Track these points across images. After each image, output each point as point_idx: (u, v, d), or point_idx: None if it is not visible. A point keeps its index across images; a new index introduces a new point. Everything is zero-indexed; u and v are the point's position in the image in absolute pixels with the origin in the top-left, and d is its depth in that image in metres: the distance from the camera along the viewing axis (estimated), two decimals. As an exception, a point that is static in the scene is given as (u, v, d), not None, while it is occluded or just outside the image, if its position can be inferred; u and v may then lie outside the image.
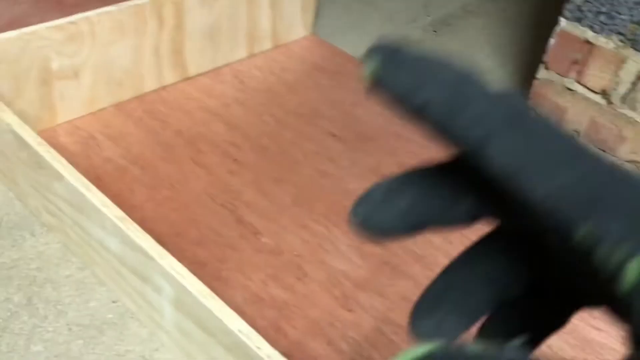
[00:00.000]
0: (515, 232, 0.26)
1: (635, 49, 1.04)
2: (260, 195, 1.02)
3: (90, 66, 1.07)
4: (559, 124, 0.23)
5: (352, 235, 0.97)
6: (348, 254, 0.94)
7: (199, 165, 1.06)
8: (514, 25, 1.70)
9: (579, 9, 1.06)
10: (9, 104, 0.99)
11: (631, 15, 1.02)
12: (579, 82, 1.11)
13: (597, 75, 1.07)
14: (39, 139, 0.80)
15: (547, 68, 1.14)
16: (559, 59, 1.12)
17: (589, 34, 1.06)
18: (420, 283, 0.91)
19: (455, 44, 1.57)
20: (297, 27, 1.43)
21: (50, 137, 1.06)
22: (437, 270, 0.94)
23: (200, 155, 1.08)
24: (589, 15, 1.06)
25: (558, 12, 1.09)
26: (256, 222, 0.97)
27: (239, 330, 0.62)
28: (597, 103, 1.09)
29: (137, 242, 0.69)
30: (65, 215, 0.83)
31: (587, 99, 1.11)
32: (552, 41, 1.11)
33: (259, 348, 0.61)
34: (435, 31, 1.62)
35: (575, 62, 1.10)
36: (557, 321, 0.26)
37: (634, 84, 1.06)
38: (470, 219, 0.26)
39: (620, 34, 1.03)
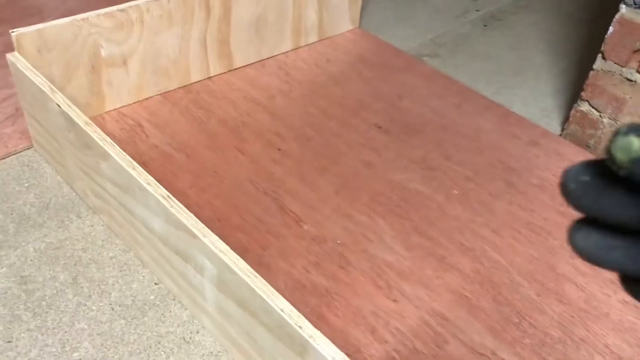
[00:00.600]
0: None
1: (701, 38, 0.98)
2: (303, 184, 1.01)
3: (139, 54, 1.08)
4: None
5: (397, 226, 0.95)
6: (392, 244, 0.92)
7: (242, 153, 1.06)
8: (569, 21, 1.64)
9: (640, -5, 1.01)
10: (60, 90, 1.01)
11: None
12: (639, 72, 1.05)
13: (658, 66, 1.02)
14: (87, 119, 0.81)
15: (604, 58, 1.09)
16: (618, 48, 1.06)
17: (651, 22, 1.01)
18: (467, 276, 0.87)
19: (506, 39, 1.53)
20: (343, 20, 1.42)
21: (98, 124, 1.07)
22: (486, 263, 0.91)
23: (244, 144, 1.08)
24: (651, 1, 1.00)
25: (616, 8, 1.04)
26: (299, 210, 0.96)
27: (282, 310, 0.60)
28: (658, 95, 1.03)
29: (180, 220, 0.69)
30: (111, 196, 0.84)
31: (647, 90, 1.05)
32: (610, 30, 1.06)
33: (300, 328, 0.59)
34: (485, 25, 1.58)
35: (636, 51, 1.05)
36: None
37: (699, 74, 1.01)
38: None
39: (684, 21, 0.98)
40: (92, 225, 0.91)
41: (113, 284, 0.83)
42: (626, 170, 0.23)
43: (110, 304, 0.80)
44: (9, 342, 0.74)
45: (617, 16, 1.05)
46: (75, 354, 0.74)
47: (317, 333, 0.58)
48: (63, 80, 1.01)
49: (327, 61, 1.33)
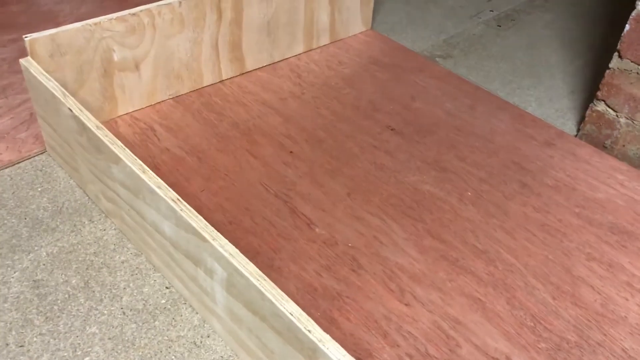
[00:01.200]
0: None
1: None
2: (315, 186, 1.00)
3: (151, 58, 1.09)
4: None
5: (409, 229, 0.94)
6: (405, 247, 0.91)
7: (254, 156, 1.05)
8: (584, 21, 1.62)
9: (657, -8, 0.99)
10: (73, 95, 1.01)
11: None
12: (656, 71, 1.03)
13: (676, 64, 1.00)
14: (98, 123, 0.81)
15: (621, 57, 1.07)
16: (635, 46, 1.04)
17: (668, 19, 0.99)
18: (481, 279, 0.86)
19: (520, 39, 1.51)
20: (355, 22, 1.41)
21: (110, 128, 1.08)
22: (500, 266, 0.89)
23: (256, 147, 1.07)
24: (668, -2, 0.98)
25: (633, 6, 1.02)
26: (310, 213, 0.95)
27: (290, 313, 0.60)
28: (676, 94, 1.01)
29: (190, 223, 0.68)
30: (122, 200, 0.84)
31: (665, 89, 1.03)
32: (627, 27, 1.04)
33: (309, 331, 0.58)
34: (499, 26, 1.57)
35: (652, 50, 1.03)
36: None
37: None
38: None
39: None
40: (104, 229, 0.91)
41: (124, 288, 0.83)
42: None
43: (122, 308, 0.80)
44: (21, 346, 0.75)
45: (633, 13, 1.04)
46: (87, 359, 0.74)
47: (326, 337, 0.58)
48: (76, 85, 1.01)
49: (340, 63, 1.33)
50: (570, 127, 1.23)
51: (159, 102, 1.15)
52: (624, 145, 1.13)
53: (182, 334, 0.77)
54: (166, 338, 0.77)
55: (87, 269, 0.85)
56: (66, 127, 0.89)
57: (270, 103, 1.19)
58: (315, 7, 1.30)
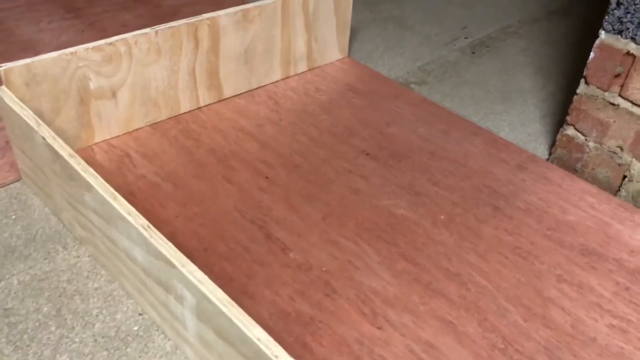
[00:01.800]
0: None
1: (682, 61, 0.99)
2: (290, 211, 1.01)
3: (128, 86, 1.10)
4: None
5: (383, 252, 0.95)
6: (378, 270, 0.92)
7: (230, 182, 1.06)
8: (557, 46, 1.66)
9: (620, 20, 1.03)
10: (49, 123, 1.02)
11: (676, 26, 0.98)
12: (622, 96, 1.06)
13: (641, 89, 1.03)
14: (71, 152, 0.82)
15: (587, 83, 1.10)
16: (600, 72, 1.08)
17: (631, 46, 1.02)
18: (453, 302, 0.87)
19: (494, 65, 1.55)
20: (332, 49, 1.44)
21: (87, 156, 1.09)
22: (473, 289, 0.91)
23: (232, 173, 1.08)
24: (630, 26, 1.02)
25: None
26: (285, 238, 0.96)
27: (258, 339, 0.60)
28: (643, 118, 1.04)
29: (159, 250, 0.69)
30: (95, 227, 0.84)
31: (631, 113, 1.06)
32: (592, 55, 1.07)
33: (277, 357, 0.58)
34: (473, 53, 1.60)
35: (617, 76, 1.06)
36: None
37: (681, 97, 1.02)
38: None
39: (665, 45, 0.99)
40: (78, 257, 0.91)
41: (97, 315, 0.82)
42: None
43: (94, 336, 0.80)
44: (-10, 375, 0.74)
45: (597, 42, 1.07)
46: (57, 387, 0.73)
47: (293, 362, 0.58)
48: (52, 113, 1.02)
49: (317, 90, 1.35)
50: (542, 151, 1.25)
51: (136, 129, 1.16)
52: (593, 169, 1.16)
53: (154, 361, 0.77)
54: (138, 366, 0.77)
55: (59, 296, 0.85)
56: (40, 155, 0.90)
57: (247, 129, 1.20)
58: (292, 35, 1.32)
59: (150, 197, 1.01)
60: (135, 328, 0.81)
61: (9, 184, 1.03)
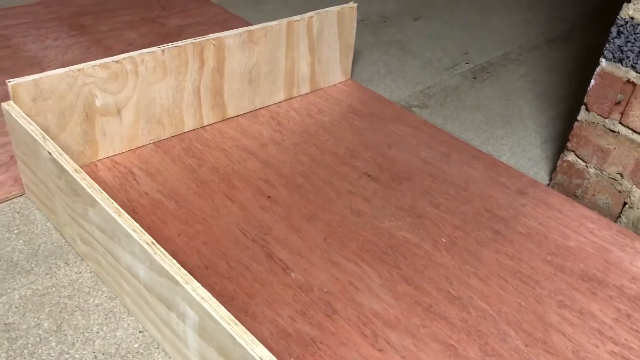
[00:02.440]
0: None
1: (681, 90, 1.01)
2: (292, 231, 1.01)
3: (133, 104, 1.11)
4: None
5: (384, 274, 0.95)
6: (379, 292, 0.92)
7: (232, 200, 1.07)
8: (556, 73, 1.68)
9: (620, 49, 1.04)
10: (53, 138, 1.03)
11: (675, 56, 1.00)
12: (622, 124, 1.07)
13: (641, 117, 1.04)
14: (76, 167, 0.82)
15: (588, 110, 1.12)
16: (600, 100, 1.09)
17: (632, 74, 1.04)
18: (454, 325, 0.87)
19: (495, 91, 1.56)
20: (335, 72, 1.45)
21: (90, 172, 1.09)
22: (474, 313, 0.91)
23: (234, 192, 1.09)
24: (631, 55, 1.03)
25: (599, 62, 1.07)
26: (286, 257, 0.96)
27: (261, 358, 0.60)
28: (642, 146, 1.05)
29: (163, 267, 0.69)
30: (98, 243, 0.84)
31: (631, 140, 1.07)
32: (592, 82, 1.09)
33: (279, 376, 0.58)
34: (475, 78, 1.62)
35: (617, 103, 1.07)
36: None
37: (681, 125, 1.03)
38: None
39: (664, 74, 1.01)
40: (80, 272, 0.91)
41: (97, 332, 0.82)
42: None
43: (94, 352, 0.79)
44: (-12, 390, 0.73)
45: (597, 69, 1.08)
46: (55, 404, 0.73)
47: (295, 382, 0.58)
48: (57, 129, 1.03)
49: (319, 111, 1.36)
50: (542, 176, 1.26)
51: (139, 147, 1.17)
52: (593, 195, 1.16)
53: (153, 380, 0.77)
54: (137, 383, 0.76)
55: (60, 312, 0.84)
56: (45, 170, 0.90)
57: (250, 149, 1.21)
58: (296, 57, 1.34)
59: (152, 214, 1.01)
60: (136, 345, 0.81)
61: (12, 199, 1.03)
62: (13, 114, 0.92)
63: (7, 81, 0.95)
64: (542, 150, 1.34)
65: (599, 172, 1.14)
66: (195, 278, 0.73)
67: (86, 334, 0.82)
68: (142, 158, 1.14)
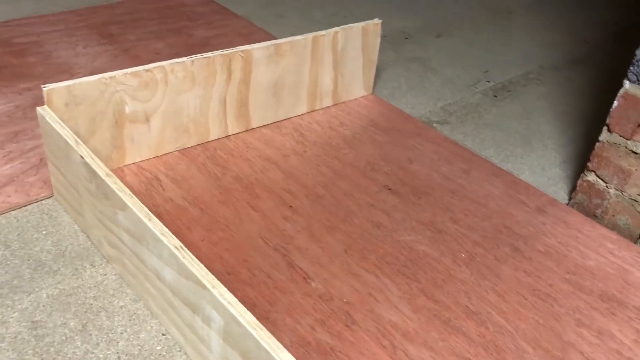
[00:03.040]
0: None
1: None
2: (313, 241, 1.03)
3: (161, 112, 1.14)
4: None
5: (404, 287, 0.96)
6: (399, 305, 0.93)
7: (254, 209, 1.08)
8: (577, 94, 1.69)
9: (643, 72, 1.05)
10: (84, 143, 1.05)
11: (699, 80, 1.00)
12: (643, 146, 1.08)
13: (663, 139, 1.05)
14: (108, 171, 0.85)
15: (610, 131, 1.12)
16: (623, 121, 1.10)
17: (654, 98, 1.05)
18: (472, 340, 0.88)
19: (515, 109, 1.57)
20: (357, 86, 1.47)
21: (117, 177, 1.11)
22: (492, 328, 0.92)
23: (257, 201, 1.11)
24: (654, 78, 1.04)
25: (621, 84, 1.08)
26: (307, 267, 0.97)
27: (284, 363, 0.61)
28: (663, 168, 1.05)
29: (191, 271, 0.71)
30: (125, 246, 0.86)
31: (652, 162, 1.08)
32: (615, 104, 1.10)
33: (303, 381, 0.60)
34: (495, 96, 1.63)
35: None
36: None
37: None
38: None
39: (687, 98, 1.01)
40: (105, 274, 0.93)
41: (121, 333, 0.84)
42: None
43: (117, 353, 0.81)
44: (15, 386, 0.75)
45: (621, 91, 1.09)
46: (80, 401, 0.74)
47: (319, 387, 0.59)
48: (87, 134, 1.06)
49: (341, 124, 1.38)
50: (562, 195, 1.27)
51: (165, 154, 1.19)
52: (613, 215, 1.17)
53: (175, 382, 0.78)
54: (159, 385, 0.78)
55: (85, 312, 0.86)
56: (76, 173, 0.93)
57: (273, 159, 1.23)
58: (320, 71, 1.36)
59: (177, 220, 1.03)
60: (159, 348, 0.82)
61: (41, 200, 1.06)
62: (47, 118, 0.95)
63: (42, 86, 0.98)
64: (561, 170, 1.35)
65: (619, 192, 1.15)
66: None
67: (110, 335, 0.83)
68: (168, 165, 1.17)
